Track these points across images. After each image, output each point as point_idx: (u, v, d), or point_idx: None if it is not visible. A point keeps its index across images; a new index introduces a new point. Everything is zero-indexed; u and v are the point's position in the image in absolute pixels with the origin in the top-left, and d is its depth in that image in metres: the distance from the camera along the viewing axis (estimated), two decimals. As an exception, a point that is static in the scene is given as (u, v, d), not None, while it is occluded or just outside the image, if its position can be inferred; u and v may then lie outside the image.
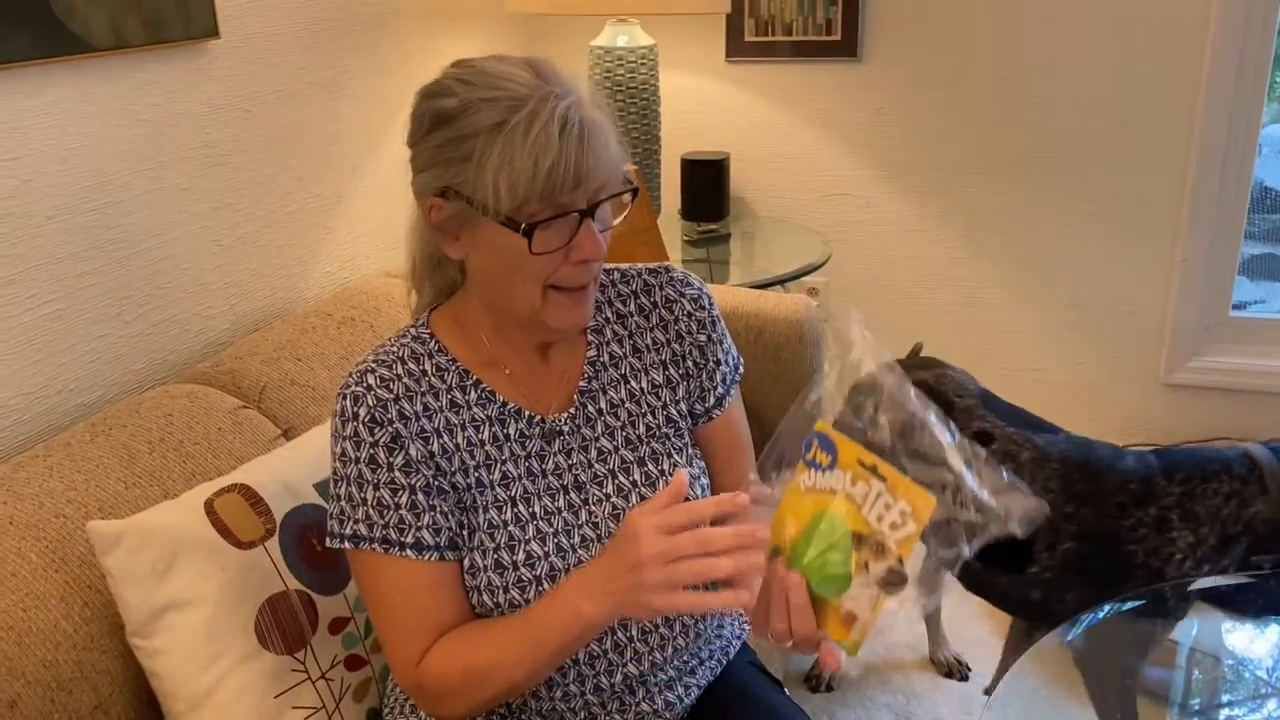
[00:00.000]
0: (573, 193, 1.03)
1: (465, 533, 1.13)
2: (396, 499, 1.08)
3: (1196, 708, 1.59)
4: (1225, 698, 1.60)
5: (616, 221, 1.11)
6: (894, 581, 0.90)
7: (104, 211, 1.55)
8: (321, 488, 1.35)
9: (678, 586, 0.93)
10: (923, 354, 2.02)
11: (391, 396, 1.10)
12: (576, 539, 1.15)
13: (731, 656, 1.32)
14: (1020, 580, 1.69)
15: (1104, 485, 1.62)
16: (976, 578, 1.76)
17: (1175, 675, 1.66)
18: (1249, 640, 1.66)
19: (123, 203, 1.58)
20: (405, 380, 1.12)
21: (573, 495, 1.17)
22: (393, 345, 1.15)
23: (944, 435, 0.92)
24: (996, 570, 1.71)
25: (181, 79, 1.67)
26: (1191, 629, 1.65)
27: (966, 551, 0.90)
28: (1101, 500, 1.61)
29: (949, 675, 2.18)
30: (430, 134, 1.06)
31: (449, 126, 1.04)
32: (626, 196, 1.10)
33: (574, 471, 1.17)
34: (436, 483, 1.11)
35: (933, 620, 2.21)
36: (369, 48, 2.12)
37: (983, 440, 1.70)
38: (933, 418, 0.92)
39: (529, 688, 1.09)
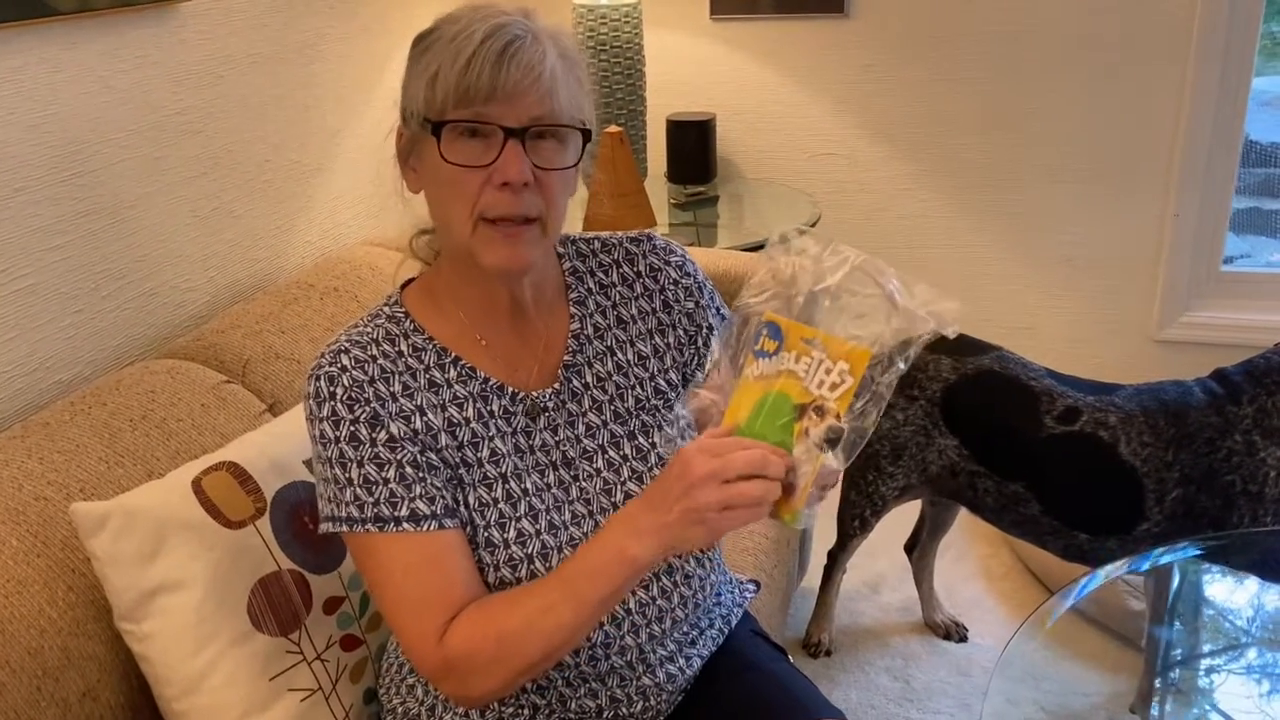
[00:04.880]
0: (490, 103, 1.00)
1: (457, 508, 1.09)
2: (384, 474, 1.04)
3: (1178, 658, 1.60)
4: (1206, 648, 1.62)
5: (568, 165, 1.05)
6: (833, 439, 0.92)
7: (74, 182, 1.50)
8: (311, 465, 1.31)
9: (733, 505, 0.91)
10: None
11: (367, 378, 1.06)
12: (568, 515, 1.12)
13: (733, 625, 1.29)
14: (1130, 540, 1.73)
15: (1190, 424, 1.68)
16: (1081, 548, 1.78)
17: (1157, 627, 1.68)
18: (1229, 591, 1.68)
19: (94, 172, 1.53)
20: (381, 361, 1.07)
21: (562, 472, 1.13)
22: (366, 326, 1.11)
23: (876, 272, 0.97)
24: (1104, 537, 1.74)
25: (151, 43, 1.61)
26: (1173, 582, 1.66)
27: (903, 365, 0.94)
28: (1193, 439, 1.67)
29: (947, 637, 2.18)
30: (407, 62, 1.07)
31: (414, 50, 1.05)
32: (573, 136, 1.05)
33: (562, 448, 1.13)
34: (425, 458, 1.06)
35: (924, 583, 2.21)
36: (346, 10, 2.06)
37: (1071, 415, 1.75)
38: (865, 263, 0.98)
39: (565, 653, 1.04)
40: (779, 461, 0.91)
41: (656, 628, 1.16)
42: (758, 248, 2.30)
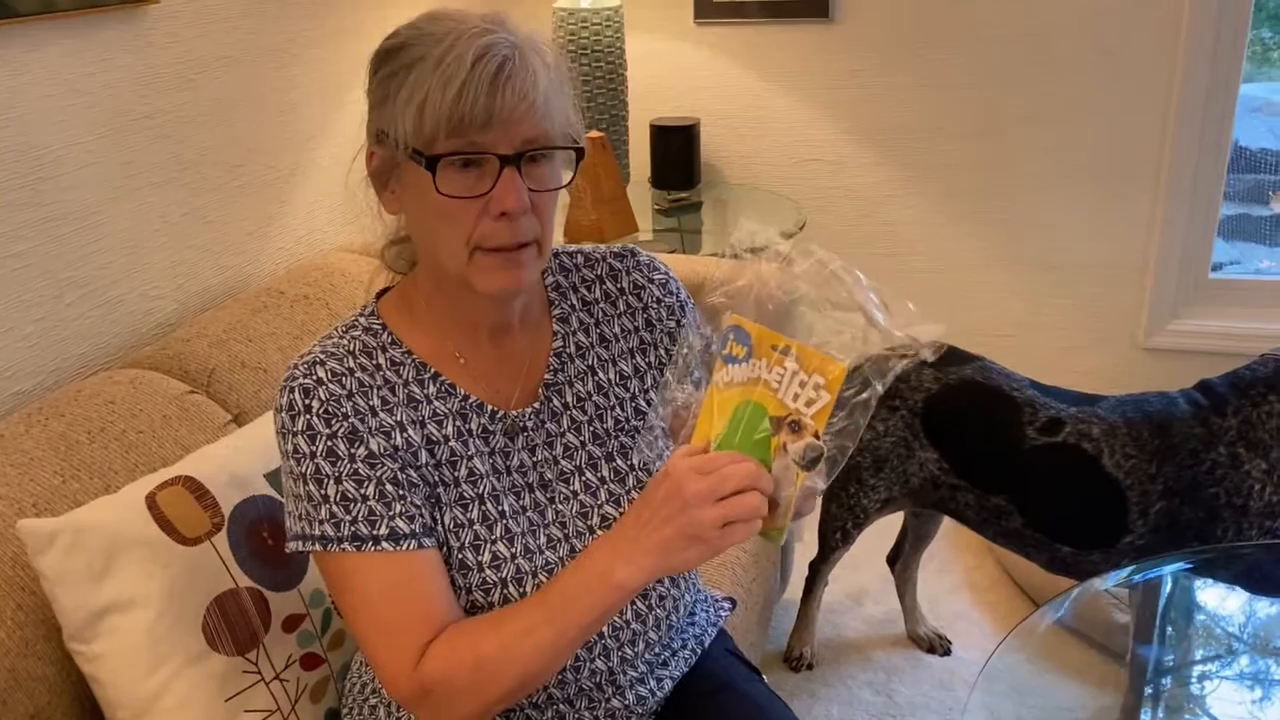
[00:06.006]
0: (485, 131, 0.96)
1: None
2: (363, 490, 0.99)
3: (1170, 664, 1.58)
4: (1198, 654, 1.60)
5: (564, 185, 1.03)
6: (813, 458, 0.89)
7: (37, 187, 1.46)
8: (273, 478, 1.28)
9: (732, 520, 0.87)
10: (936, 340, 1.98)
11: (345, 391, 1.01)
12: (543, 539, 1.08)
13: (707, 645, 1.26)
14: (1114, 553, 1.71)
15: (1174, 436, 1.66)
16: (1065, 561, 1.76)
17: (1141, 643, 1.66)
18: (1220, 598, 1.67)
19: (58, 178, 1.49)
20: (359, 375, 1.03)
21: (538, 494, 1.09)
22: (341, 338, 1.06)
23: (853, 281, 0.94)
24: (1088, 550, 1.71)
25: (118, 45, 1.58)
26: (1164, 588, 1.64)
27: (879, 389, 0.91)
28: (1177, 451, 1.65)
29: (930, 650, 2.15)
30: (372, 76, 1.01)
31: (385, 66, 1.00)
32: (566, 160, 1.02)
33: (539, 469, 1.10)
34: (405, 475, 1.02)
35: (907, 596, 2.18)
36: (321, 12, 2.02)
37: (1054, 427, 1.72)
38: (840, 269, 0.95)
39: (545, 679, 1.00)
40: (769, 476, 0.88)
41: (629, 650, 1.13)
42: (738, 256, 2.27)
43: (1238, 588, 1.65)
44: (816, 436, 0.89)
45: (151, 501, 1.17)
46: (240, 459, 1.26)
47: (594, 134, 2.27)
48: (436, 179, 0.97)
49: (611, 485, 1.11)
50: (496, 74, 0.94)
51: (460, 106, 0.94)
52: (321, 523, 0.99)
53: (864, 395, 0.91)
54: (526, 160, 0.99)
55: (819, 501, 0.94)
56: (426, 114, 0.95)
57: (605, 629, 1.10)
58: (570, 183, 1.05)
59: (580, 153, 1.04)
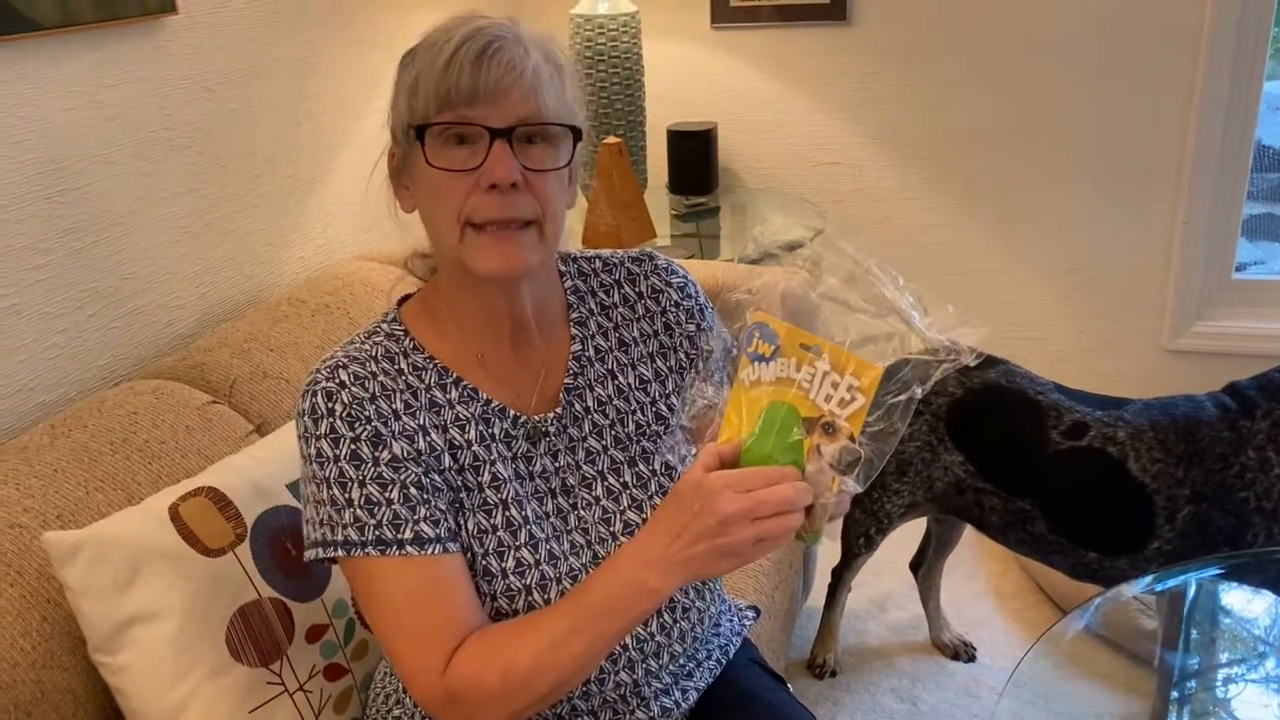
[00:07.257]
0: (472, 104, 0.97)
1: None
2: (387, 494, 0.99)
3: (1196, 667, 1.56)
4: (1224, 656, 1.59)
5: (562, 166, 1.02)
6: (850, 461, 0.87)
7: (59, 200, 1.47)
8: (295, 488, 1.27)
9: (766, 538, 0.87)
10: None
11: (367, 395, 1.01)
12: (566, 545, 1.07)
13: (731, 655, 1.25)
14: (1141, 559, 1.70)
15: (1201, 440, 1.64)
16: (1090, 567, 1.74)
17: (1169, 651, 1.64)
18: (1246, 600, 1.65)
19: (79, 189, 1.50)
20: (381, 379, 1.03)
21: (560, 499, 1.09)
22: (364, 343, 1.06)
23: (888, 281, 0.92)
24: (1114, 556, 1.70)
25: (138, 58, 1.58)
26: (1189, 590, 1.62)
27: (919, 393, 0.89)
28: (1205, 455, 1.63)
29: (955, 657, 2.13)
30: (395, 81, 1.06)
31: (399, 67, 1.04)
32: (564, 136, 1.02)
33: (561, 475, 1.09)
34: (429, 479, 1.02)
35: (931, 602, 2.16)
36: (339, 22, 2.03)
37: (1079, 431, 1.70)
38: (875, 267, 0.93)
39: (574, 687, 0.99)
40: (807, 490, 0.87)
41: (654, 663, 1.12)
42: (759, 260, 2.26)
43: (1265, 591, 1.63)
44: (852, 439, 0.87)
45: (174, 513, 1.17)
46: (263, 469, 1.26)
47: (611, 139, 2.27)
48: (426, 151, 0.99)
49: (634, 490, 1.11)
50: (483, 50, 0.97)
51: (446, 78, 0.97)
52: (345, 527, 0.98)
53: (903, 398, 0.89)
54: (522, 140, 0.99)
55: (849, 501, 0.92)
56: (419, 91, 0.98)
57: (629, 641, 1.09)
58: (569, 162, 1.04)
59: (578, 133, 1.04)
